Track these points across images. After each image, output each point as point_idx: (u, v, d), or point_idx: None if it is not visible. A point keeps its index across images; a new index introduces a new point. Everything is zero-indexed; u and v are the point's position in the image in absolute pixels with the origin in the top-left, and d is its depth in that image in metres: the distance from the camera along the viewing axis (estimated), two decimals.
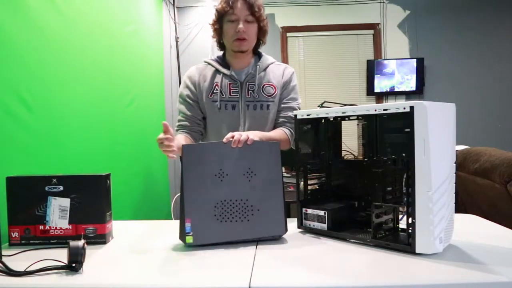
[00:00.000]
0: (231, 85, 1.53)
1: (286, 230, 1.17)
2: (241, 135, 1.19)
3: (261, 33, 1.55)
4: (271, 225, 1.15)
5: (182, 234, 1.12)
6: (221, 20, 1.51)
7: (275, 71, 1.59)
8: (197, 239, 1.11)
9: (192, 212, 1.11)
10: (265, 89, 1.55)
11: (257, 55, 1.62)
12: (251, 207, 1.14)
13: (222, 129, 1.51)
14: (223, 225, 1.12)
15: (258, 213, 1.14)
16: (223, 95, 1.52)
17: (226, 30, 1.50)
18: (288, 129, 1.56)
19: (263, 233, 1.14)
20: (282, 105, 1.58)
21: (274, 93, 1.55)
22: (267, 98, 1.54)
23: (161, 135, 1.22)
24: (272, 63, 1.61)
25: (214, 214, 1.12)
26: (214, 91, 1.53)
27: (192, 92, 1.56)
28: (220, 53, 1.63)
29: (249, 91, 1.53)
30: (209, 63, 1.59)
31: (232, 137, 1.18)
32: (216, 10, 1.51)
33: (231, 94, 1.53)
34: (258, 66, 1.55)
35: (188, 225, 1.10)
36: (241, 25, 1.46)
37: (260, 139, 1.28)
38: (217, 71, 1.56)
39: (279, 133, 1.53)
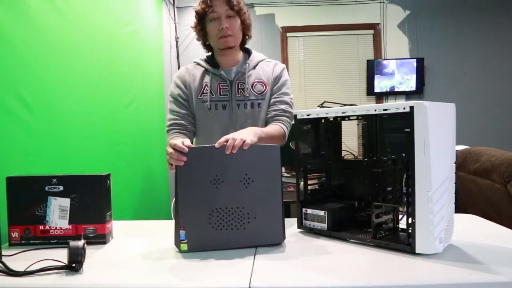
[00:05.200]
0: (220, 84, 1.52)
1: (284, 237, 1.13)
2: (235, 139, 1.08)
3: (245, 27, 1.53)
4: (269, 233, 1.11)
5: (177, 241, 1.09)
6: (202, 21, 1.52)
7: (264, 67, 1.57)
8: (191, 247, 1.07)
9: (187, 220, 1.07)
10: (255, 87, 1.53)
11: (246, 52, 1.60)
12: (248, 215, 1.09)
13: (214, 129, 1.50)
14: (218, 232, 1.08)
15: (254, 221, 1.09)
16: (213, 95, 1.51)
17: (209, 30, 1.50)
18: (283, 123, 1.50)
19: (260, 241, 1.10)
20: (273, 99, 1.53)
21: (264, 91, 1.53)
22: (257, 96, 1.52)
23: (180, 145, 1.07)
24: (262, 60, 1.58)
25: (209, 222, 1.07)
26: (204, 91, 1.52)
27: (183, 91, 1.55)
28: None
29: (239, 90, 1.51)
30: (198, 63, 1.58)
31: (226, 141, 1.08)
32: (196, 12, 1.51)
33: (221, 94, 1.51)
34: (247, 64, 1.54)
35: (182, 232, 1.07)
36: (223, 22, 1.45)
37: (257, 136, 1.25)
38: (206, 71, 1.55)
39: (275, 128, 1.47)
